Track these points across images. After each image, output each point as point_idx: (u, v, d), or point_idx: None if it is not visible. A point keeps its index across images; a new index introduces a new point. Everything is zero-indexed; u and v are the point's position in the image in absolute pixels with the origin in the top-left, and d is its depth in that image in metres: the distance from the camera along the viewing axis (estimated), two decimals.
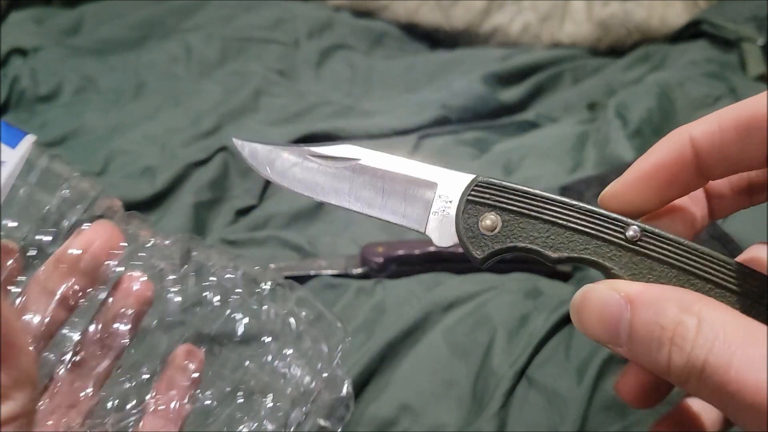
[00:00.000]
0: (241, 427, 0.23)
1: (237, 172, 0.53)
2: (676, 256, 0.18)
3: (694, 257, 0.18)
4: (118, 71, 0.70)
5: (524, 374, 0.35)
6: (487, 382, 0.34)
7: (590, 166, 0.55)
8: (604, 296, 0.17)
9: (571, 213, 0.19)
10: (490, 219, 0.19)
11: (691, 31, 0.78)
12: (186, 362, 0.22)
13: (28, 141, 0.22)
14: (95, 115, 0.62)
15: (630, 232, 0.19)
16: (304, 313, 0.25)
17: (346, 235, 0.48)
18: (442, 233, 0.19)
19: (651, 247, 0.19)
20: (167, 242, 0.24)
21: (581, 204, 0.19)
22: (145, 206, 0.50)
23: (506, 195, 0.19)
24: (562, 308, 0.38)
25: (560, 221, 0.19)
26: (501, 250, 0.19)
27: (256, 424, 0.23)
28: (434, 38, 0.87)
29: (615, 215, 0.19)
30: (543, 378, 0.35)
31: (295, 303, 0.25)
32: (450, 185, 0.20)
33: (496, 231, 0.19)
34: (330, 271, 0.42)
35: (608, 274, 0.19)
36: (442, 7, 0.84)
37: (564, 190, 0.50)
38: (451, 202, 0.19)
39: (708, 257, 0.18)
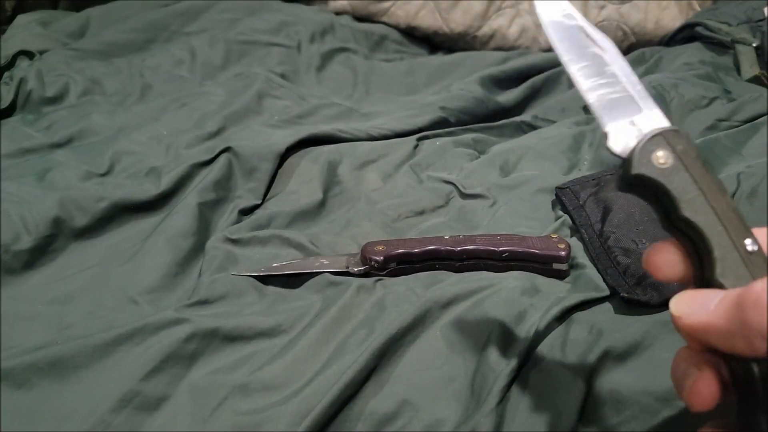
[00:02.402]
0: None
1: (241, 172, 0.54)
2: None
3: None
4: (123, 74, 0.71)
5: (521, 370, 0.35)
6: (485, 378, 0.35)
7: (586, 166, 0.56)
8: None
9: (718, 195, 0.22)
10: (665, 156, 0.22)
11: (686, 34, 0.79)
12: None
13: None
14: (101, 116, 0.63)
15: (748, 241, 0.22)
16: None
17: (346, 234, 0.49)
18: (619, 137, 0.23)
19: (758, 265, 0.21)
20: None
21: (729, 199, 0.22)
22: (150, 206, 0.51)
23: (689, 150, 0.22)
24: (558, 306, 0.38)
25: (705, 192, 0.22)
26: (652, 180, 0.22)
27: None
28: (433, 41, 0.88)
29: (743, 224, 0.22)
30: (539, 374, 0.35)
31: None
32: (650, 116, 0.23)
33: (663, 166, 0.22)
34: (331, 270, 0.43)
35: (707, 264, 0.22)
36: (441, 11, 0.84)
37: (560, 191, 0.51)
38: (644, 124, 0.23)
39: None
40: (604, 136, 0.23)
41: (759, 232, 0.23)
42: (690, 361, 0.22)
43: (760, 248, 0.22)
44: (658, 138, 0.22)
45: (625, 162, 0.23)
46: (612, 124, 0.23)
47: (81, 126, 0.61)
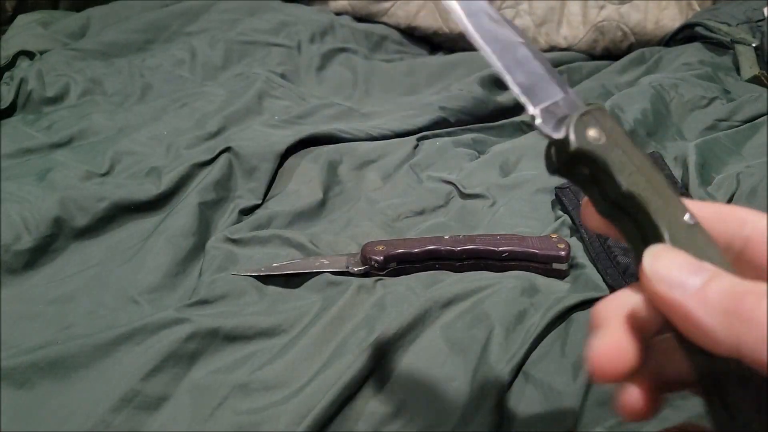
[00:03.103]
0: None
1: (241, 172, 0.54)
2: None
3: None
4: (123, 74, 0.71)
5: (521, 370, 0.35)
6: (485, 377, 0.35)
7: None
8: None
9: (653, 172, 0.22)
10: (597, 133, 0.22)
11: (686, 34, 0.79)
12: None
13: None
14: (102, 116, 0.63)
15: (687, 216, 0.21)
16: None
17: (346, 234, 0.49)
18: (546, 118, 0.23)
19: (700, 237, 0.21)
20: None
21: (662, 175, 0.22)
22: (150, 206, 0.51)
23: (616, 127, 0.22)
24: (558, 305, 0.38)
25: (640, 169, 0.22)
26: (591, 154, 0.22)
27: None
28: (433, 42, 0.88)
29: (679, 199, 0.21)
30: (539, 374, 0.35)
31: None
32: (571, 98, 0.24)
33: (598, 142, 0.22)
34: (331, 269, 0.43)
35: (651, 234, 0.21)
36: (441, 11, 0.85)
37: (560, 190, 0.51)
38: (567, 105, 0.23)
39: None
40: (532, 118, 0.23)
41: (696, 204, 0.22)
42: None
43: (696, 222, 0.21)
44: (588, 116, 0.22)
45: (560, 141, 0.22)
46: (538, 107, 0.23)
47: (81, 126, 0.61)
